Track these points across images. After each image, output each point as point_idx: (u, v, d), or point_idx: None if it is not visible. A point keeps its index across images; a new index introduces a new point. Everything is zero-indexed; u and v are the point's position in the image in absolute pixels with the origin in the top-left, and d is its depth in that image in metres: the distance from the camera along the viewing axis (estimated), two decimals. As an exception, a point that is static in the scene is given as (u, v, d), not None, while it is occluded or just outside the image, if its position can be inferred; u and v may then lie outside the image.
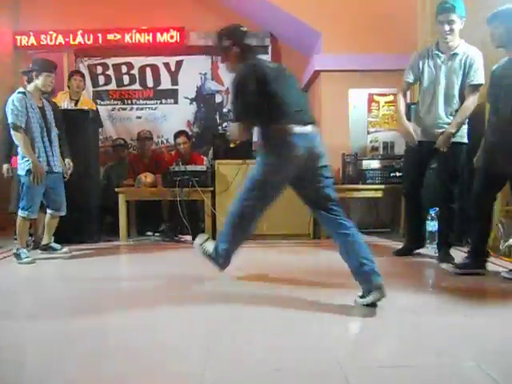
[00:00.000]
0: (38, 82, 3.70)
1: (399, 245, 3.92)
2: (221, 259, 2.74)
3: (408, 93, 3.87)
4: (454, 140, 3.34)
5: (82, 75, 5.19)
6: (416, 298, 2.59)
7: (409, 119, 3.61)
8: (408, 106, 4.33)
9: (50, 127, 3.80)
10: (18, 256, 3.63)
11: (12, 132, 3.59)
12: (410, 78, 3.53)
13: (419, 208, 3.72)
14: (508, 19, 2.91)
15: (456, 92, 3.35)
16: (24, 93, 3.64)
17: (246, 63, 2.57)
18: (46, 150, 3.72)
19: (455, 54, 3.32)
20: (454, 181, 3.46)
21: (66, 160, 4.00)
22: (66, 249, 3.91)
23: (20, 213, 3.66)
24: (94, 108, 5.14)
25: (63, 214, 3.88)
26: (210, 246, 2.78)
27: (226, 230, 2.73)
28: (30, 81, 3.72)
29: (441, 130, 3.35)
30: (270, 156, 2.50)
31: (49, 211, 3.84)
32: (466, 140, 3.43)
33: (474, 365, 1.67)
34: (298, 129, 2.40)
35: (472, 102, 3.29)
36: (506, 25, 2.91)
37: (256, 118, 2.52)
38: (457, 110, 3.35)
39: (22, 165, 3.63)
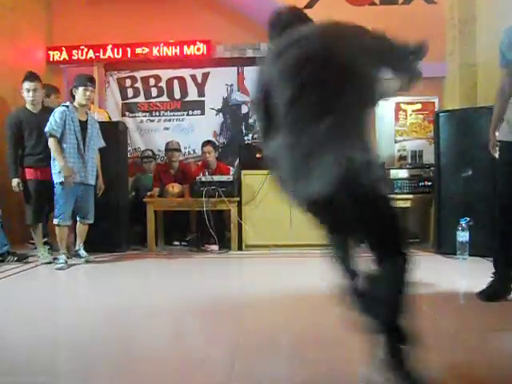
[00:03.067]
0: (77, 96, 4.00)
1: (430, 256, 3.81)
2: None
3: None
4: None
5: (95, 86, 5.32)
6: (455, 321, 2.52)
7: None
8: (437, 115, 4.28)
9: (89, 141, 4.04)
10: (56, 260, 3.93)
11: (48, 139, 3.89)
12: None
13: None
14: None
15: None
16: (67, 106, 3.95)
17: None
18: (79, 162, 3.94)
19: None
20: None
21: (99, 179, 4.25)
22: (91, 257, 4.13)
23: (54, 220, 3.95)
24: (107, 117, 5.30)
25: (89, 222, 4.12)
26: None
27: None
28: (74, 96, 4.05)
29: None
30: None
31: (77, 218, 4.11)
32: None
33: None
34: None
35: None
36: None
37: None
38: None
39: (55, 176, 3.89)
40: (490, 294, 2.65)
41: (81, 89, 3.98)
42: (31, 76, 4.12)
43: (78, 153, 3.94)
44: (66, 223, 3.95)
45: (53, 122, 3.85)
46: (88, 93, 4.01)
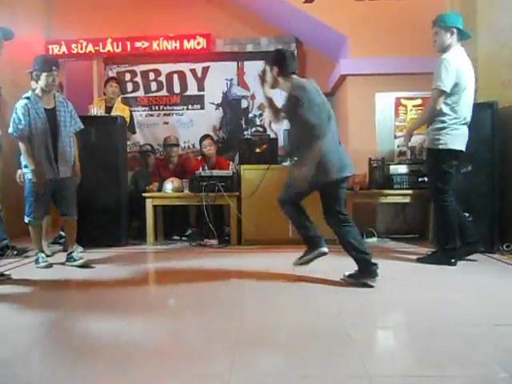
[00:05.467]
0: (41, 83, 3.55)
1: (430, 251, 3.83)
2: None
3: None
4: None
5: (118, 81, 5.35)
6: (445, 306, 2.53)
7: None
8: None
9: (61, 130, 3.63)
10: (36, 260, 3.69)
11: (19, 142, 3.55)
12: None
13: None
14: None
15: None
16: (29, 97, 3.55)
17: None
18: (49, 157, 3.57)
19: None
20: None
21: (76, 166, 3.78)
22: (81, 261, 3.66)
23: (24, 219, 3.67)
24: (128, 114, 5.25)
25: (71, 218, 3.75)
26: None
27: None
28: (36, 82, 3.61)
29: None
30: None
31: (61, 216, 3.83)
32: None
33: (508, 376, 1.62)
34: None
35: None
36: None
37: None
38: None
39: (26, 171, 3.63)
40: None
41: (44, 75, 3.51)
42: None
43: (46, 148, 3.54)
44: (37, 222, 3.66)
45: (17, 121, 3.47)
46: (53, 78, 3.53)
